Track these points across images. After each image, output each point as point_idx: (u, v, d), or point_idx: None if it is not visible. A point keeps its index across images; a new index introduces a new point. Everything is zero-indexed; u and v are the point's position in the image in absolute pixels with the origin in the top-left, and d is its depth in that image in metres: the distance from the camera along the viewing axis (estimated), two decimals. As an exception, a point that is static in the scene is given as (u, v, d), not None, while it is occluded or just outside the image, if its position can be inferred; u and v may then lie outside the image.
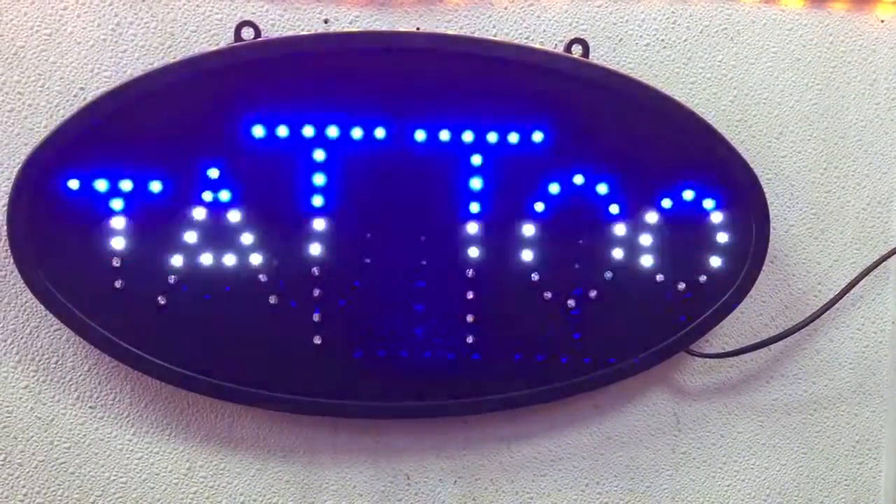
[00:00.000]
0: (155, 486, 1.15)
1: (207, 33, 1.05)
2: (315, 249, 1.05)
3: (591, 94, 1.06)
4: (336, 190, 1.04)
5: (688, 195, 1.09)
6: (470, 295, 1.08)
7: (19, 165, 0.99)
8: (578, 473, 1.23)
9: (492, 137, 1.05)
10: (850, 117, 1.20)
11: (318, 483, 1.18)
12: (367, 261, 1.07)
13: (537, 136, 1.06)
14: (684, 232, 1.10)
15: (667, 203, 1.09)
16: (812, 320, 1.21)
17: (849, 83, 1.19)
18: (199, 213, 1.02)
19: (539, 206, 1.08)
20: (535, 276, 1.09)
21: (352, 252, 1.06)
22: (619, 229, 1.09)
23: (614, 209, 1.09)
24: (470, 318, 1.09)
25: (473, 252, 1.07)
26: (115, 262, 1.02)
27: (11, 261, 1.01)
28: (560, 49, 1.09)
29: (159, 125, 1.01)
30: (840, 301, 1.21)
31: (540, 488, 1.22)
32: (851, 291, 1.21)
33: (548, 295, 1.10)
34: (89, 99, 1.02)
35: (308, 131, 1.02)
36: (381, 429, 1.17)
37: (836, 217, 1.22)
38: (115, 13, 1.04)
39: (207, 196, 1.02)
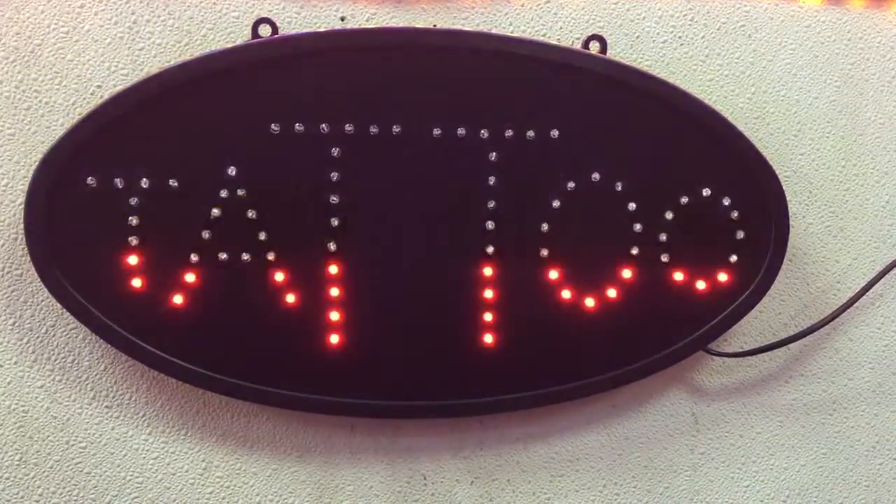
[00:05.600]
0: (171, 486, 1.14)
1: (224, 31, 1.05)
2: (332, 247, 1.04)
3: (608, 90, 1.05)
4: (353, 186, 1.03)
5: (706, 192, 1.08)
6: (487, 293, 1.08)
7: (36, 163, 0.99)
8: (596, 474, 1.22)
9: (508, 134, 1.04)
10: (869, 114, 1.19)
11: (335, 483, 1.17)
12: (384, 258, 1.06)
13: (554, 133, 1.05)
14: (702, 229, 1.09)
15: (685, 200, 1.08)
16: (831, 319, 1.20)
17: (867, 80, 1.18)
18: (215, 211, 1.02)
19: (556, 203, 1.07)
20: (552, 274, 1.08)
21: (369, 250, 1.06)
22: (637, 226, 1.08)
23: (632, 206, 1.08)
24: (488, 317, 1.08)
25: (491, 250, 1.07)
26: (132, 260, 1.02)
27: (28, 259, 1.01)
28: (577, 45, 1.09)
29: (176, 122, 1.00)
30: (860, 300, 1.20)
31: (557, 489, 1.21)
32: (871, 290, 1.20)
33: (565, 293, 1.09)
34: (106, 96, 1.02)
35: (325, 128, 1.02)
36: (397, 429, 1.17)
37: (855, 215, 1.21)
38: (132, 11, 1.04)
39: (224, 193, 1.02)
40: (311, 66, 1.01)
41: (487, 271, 1.07)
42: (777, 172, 1.09)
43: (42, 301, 1.07)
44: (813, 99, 1.17)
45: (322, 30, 1.06)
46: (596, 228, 1.08)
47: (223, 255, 1.03)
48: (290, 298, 1.05)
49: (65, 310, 1.03)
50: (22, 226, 1.00)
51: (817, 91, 1.17)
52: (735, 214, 1.09)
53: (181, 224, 1.02)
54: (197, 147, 1.01)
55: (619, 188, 1.07)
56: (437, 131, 1.03)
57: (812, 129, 1.18)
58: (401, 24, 1.08)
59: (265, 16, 1.04)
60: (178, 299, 1.03)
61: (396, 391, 1.10)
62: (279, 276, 1.04)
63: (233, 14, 1.05)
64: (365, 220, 1.05)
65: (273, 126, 1.01)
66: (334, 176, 1.03)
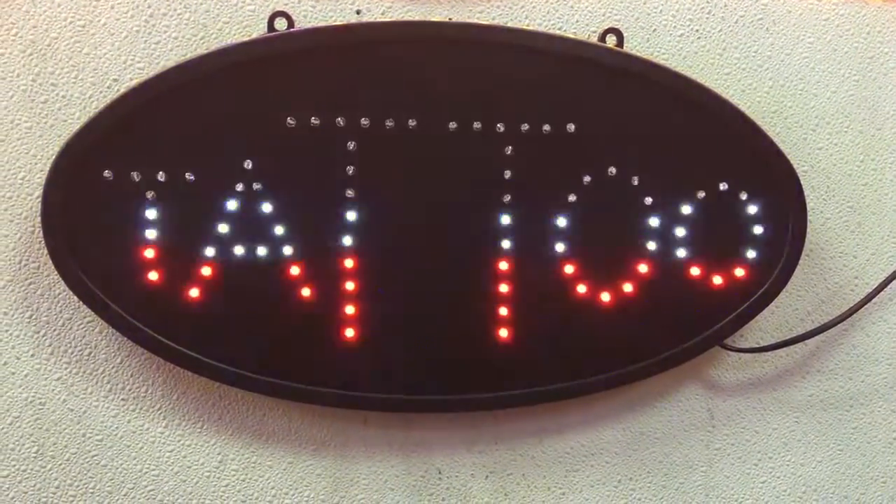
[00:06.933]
0: (187, 479, 1.15)
1: (240, 24, 1.05)
2: (347, 241, 1.04)
3: (625, 84, 1.05)
4: (368, 180, 1.03)
5: (723, 187, 1.08)
6: (503, 287, 1.07)
7: (53, 156, 0.99)
8: (611, 469, 1.22)
9: (524, 127, 1.04)
10: (888, 109, 1.18)
11: (350, 477, 1.17)
12: (399, 252, 1.06)
13: (570, 127, 1.05)
14: (719, 224, 1.09)
15: (701, 195, 1.08)
16: (849, 315, 1.19)
17: (886, 74, 1.17)
18: (232, 204, 1.02)
19: (572, 198, 1.06)
20: (568, 269, 1.08)
21: (384, 244, 1.05)
22: (654, 221, 1.08)
23: (648, 201, 1.07)
24: (503, 312, 1.08)
25: (506, 244, 1.06)
26: (149, 253, 1.02)
27: (45, 252, 1.01)
28: (594, 39, 1.09)
29: (192, 116, 1.00)
30: (877, 295, 1.19)
31: (572, 483, 1.21)
32: (889, 285, 1.19)
33: (581, 288, 1.09)
34: (122, 90, 1.02)
35: (340, 122, 1.02)
36: (412, 423, 1.17)
37: (873, 210, 1.20)
38: (149, 5, 1.04)
39: (240, 187, 1.02)
40: (327, 59, 1.01)
41: (503, 265, 1.07)
42: (795, 167, 1.08)
43: (59, 294, 1.08)
44: (831, 93, 1.16)
45: (338, 23, 1.06)
46: (612, 223, 1.08)
47: (239, 249, 1.03)
48: (306, 292, 1.05)
49: (81, 303, 1.03)
50: (39, 219, 1.00)
51: (836, 85, 1.16)
52: (752, 209, 1.09)
53: (197, 218, 1.02)
54: (213, 141, 1.01)
55: (636, 182, 1.07)
56: (452, 125, 1.03)
57: (830, 124, 1.17)
58: (416, 18, 1.07)
59: (281, 9, 1.04)
60: (194, 293, 1.03)
61: (411, 385, 1.10)
62: (295, 270, 1.04)
63: (249, 7, 1.05)
64: (380, 214, 1.04)
65: (289, 120, 1.01)
66: (350, 170, 1.03)
